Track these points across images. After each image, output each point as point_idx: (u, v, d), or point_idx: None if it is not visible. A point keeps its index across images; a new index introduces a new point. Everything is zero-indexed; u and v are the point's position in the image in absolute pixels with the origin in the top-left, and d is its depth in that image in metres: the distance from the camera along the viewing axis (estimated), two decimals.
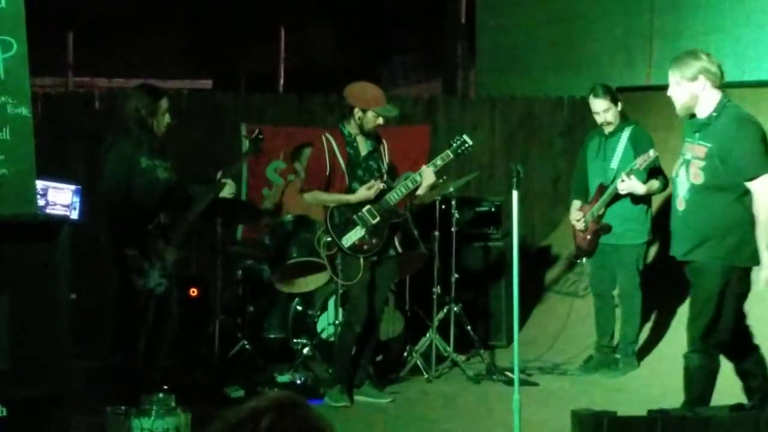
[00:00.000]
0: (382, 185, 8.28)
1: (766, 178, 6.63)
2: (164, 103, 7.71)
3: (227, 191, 7.96)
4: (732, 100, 6.87)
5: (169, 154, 7.82)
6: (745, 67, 10.54)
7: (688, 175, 6.78)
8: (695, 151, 6.75)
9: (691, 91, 6.78)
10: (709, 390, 6.92)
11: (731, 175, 6.65)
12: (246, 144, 8.35)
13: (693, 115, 6.88)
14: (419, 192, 8.34)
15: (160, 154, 7.68)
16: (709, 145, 6.69)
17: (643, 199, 9.02)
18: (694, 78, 6.76)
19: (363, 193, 8.20)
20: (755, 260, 6.70)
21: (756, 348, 7.16)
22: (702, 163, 6.70)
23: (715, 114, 6.76)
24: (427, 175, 8.22)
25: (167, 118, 7.72)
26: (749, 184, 6.63)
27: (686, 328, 7.02)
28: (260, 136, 8.41)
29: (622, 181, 8.78)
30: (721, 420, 5.19)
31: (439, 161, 8.32)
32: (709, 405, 6.98)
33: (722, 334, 6.89)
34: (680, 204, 6.86)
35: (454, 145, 8.44)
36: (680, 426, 5.15)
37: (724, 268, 6.75)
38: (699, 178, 6.71)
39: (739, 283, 6.81)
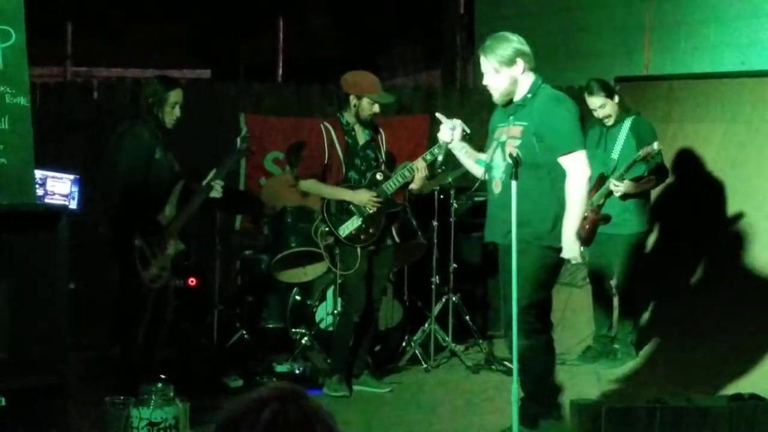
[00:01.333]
0: (379, 176, 8.29)
1: (580, 155, 6.58)
2: (173, 96, 7.54)
3: (215, 194, 7.89)
4: (546, 82, 6.80)
5: (171, 145, 7.76)
6: (744, 57, 10.54)
7: (503, 155, 6.68)
8: (511, 132, 6.67)
9: (511, 75, 6.69)
10: (553, 366, 6.97)
11: (547, 152, 6.57)
12: (237, 143, 8.26)
13: (509, 102, 6.79)
14: (414, 185, 8.33)
15: (167, 145, 7.62)
16: (525, 123, 6.62)
17: None
18: (512, 62, 6.67)
19: (365, 198, 8.19)
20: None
21: None
22: (518, 142, 6.62)
23: (530, 95, 6.69)
24: (420, 168, 8.22)
25: (177, 112, 7.57)
26: (562, 160, 6.56)
27: (514, 314, 6.86)
28: (246, 136, 8.30)
29: (616, 185, 8.81)
30: (719, 410, 5.19)
31: (436, 150, 8.32)
32: (555, 380, 7.01)
33: (547, 313, 6.94)
34: (496, 186, 6.77)
35: None
36: (678, 415, 5.15)
37: (542, 249, 6.68)
38: None
39: (556, 261, 6.74)
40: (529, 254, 6.62)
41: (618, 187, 8.82)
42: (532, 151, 6.55)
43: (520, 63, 6.68)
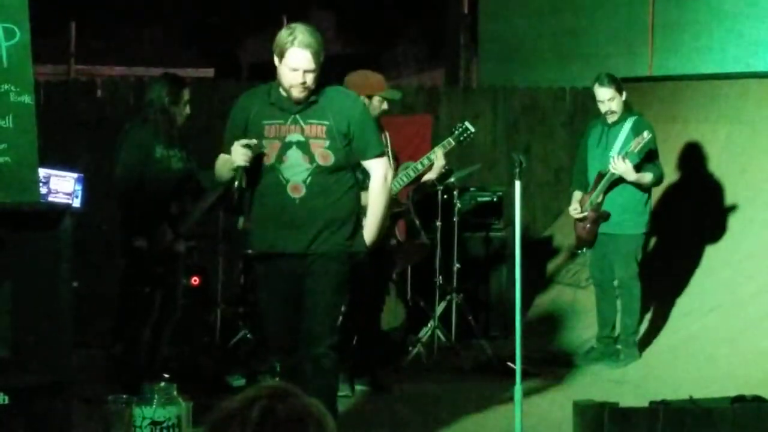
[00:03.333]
0: None
1: (384, 157, 6.41)
2: (186, 94, 7.70)
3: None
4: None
5: (186, 143, 7.79)
6: (748, 57, 10.54)
7: (311, 156, 6.20)
8: (311, 131, 6.19)
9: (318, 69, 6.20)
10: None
11: (355, 154, 6.30)
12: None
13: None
14: (431, 174, 8.29)
15: (177, 143, 7.64)
16: (326, 123, 6.22)
17: (642, 189, 9.02)
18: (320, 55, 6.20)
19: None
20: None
21: None
22: (325, 143, 6.20)
23: (318, 91, 6.25)
24: (439, 156, 8.20)
25: (187, 109, 7.70)
26: (369, 164, 6.34)
27: (313, 325, 6.32)
28: None
29: (616, 163, 8.77)
30: (722, 411, 5.20)
31: (440, 149, 8.32)
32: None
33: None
34: (296, 190, 6.20)
35: (456, 132, 8.44)
36: (681, 417, 5.16)
37: (348, 255, 6.39)
38: (329, 159, 6.21)
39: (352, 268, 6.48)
40: (338, 263, 6.32)
41: (617, 164, 8.75)
42: (343, 153, 6.22)
43: (322, 56, 6.21)
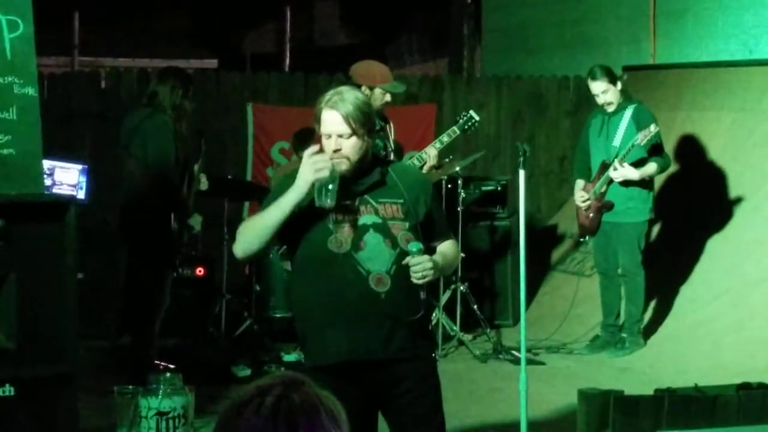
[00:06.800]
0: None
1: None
2: (192, 88, 7.81)
3: (202, 186, 8.10)
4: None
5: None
6: (751, 45, 10.53)
7: (393, 240, 5.12)
8: (386, 211, 5.09)
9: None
10: None
11: (428, 234, 5.29)
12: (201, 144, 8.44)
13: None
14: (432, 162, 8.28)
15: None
16: (400, 201, 5.13)
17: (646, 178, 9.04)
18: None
19: None
20: None
21: None
22: (406, 224, 5.11)
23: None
24: (431, 156, 8.16)
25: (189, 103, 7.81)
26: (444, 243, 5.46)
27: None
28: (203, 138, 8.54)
29: (615, 169, 8.82)
30: (727, 399, 5.20)
31: (445, 138, 8.30)
32: None
33: None
34: (381, 283, 5.03)
35: (461, 121, 8.43)
36: (687, 405, 5.15)
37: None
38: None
39: None
40: (435, 370, 5.67)
41: (617, 171, 8.83)
42: (420, 236, 5.09)
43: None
